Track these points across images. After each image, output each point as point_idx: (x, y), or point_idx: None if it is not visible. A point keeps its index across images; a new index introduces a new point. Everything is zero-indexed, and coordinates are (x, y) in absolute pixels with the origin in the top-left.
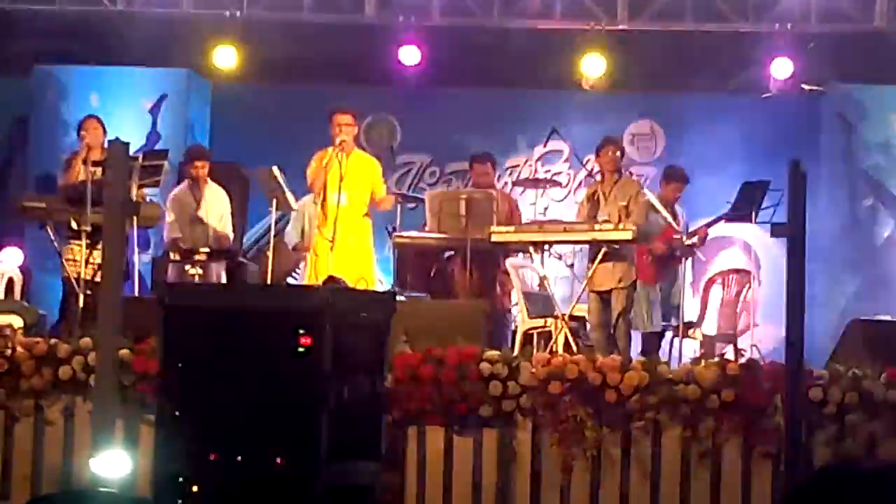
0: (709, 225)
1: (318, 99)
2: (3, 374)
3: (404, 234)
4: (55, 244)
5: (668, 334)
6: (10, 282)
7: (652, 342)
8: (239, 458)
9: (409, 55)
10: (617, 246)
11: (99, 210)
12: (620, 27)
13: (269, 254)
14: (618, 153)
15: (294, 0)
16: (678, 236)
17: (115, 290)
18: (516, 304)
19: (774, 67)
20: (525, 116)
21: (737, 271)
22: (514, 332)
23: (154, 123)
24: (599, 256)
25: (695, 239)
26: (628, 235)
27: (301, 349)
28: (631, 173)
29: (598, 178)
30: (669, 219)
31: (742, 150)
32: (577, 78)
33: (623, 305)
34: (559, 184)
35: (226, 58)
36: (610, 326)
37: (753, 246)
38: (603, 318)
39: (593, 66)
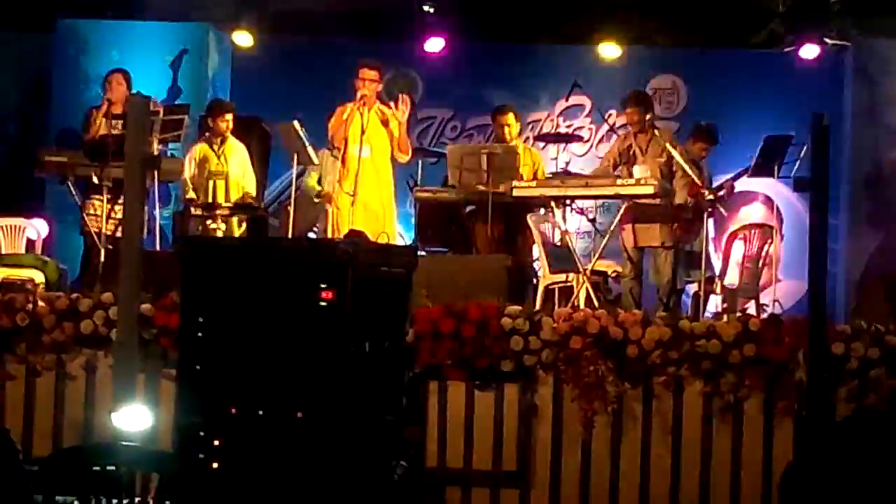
0: (734, 179)
1: (339, 53)
2: (25, 328)
3: (425, 188)
4: (76, 199)
5: (690, 289)
6: None
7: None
8: (260, 412)
9: (435, 44)
10: (658, 201)
11: (120, 164)
12: None
13: (291, 208)
14: (638, 111)
15: None
16: (705, 193)
17: (135, 244)
18: (538, 258)
19: (803, 51)
20: (547, 71)
21: (759, 226)
22: (536, 287)
23: (175, 78)
24: (621, 212)
25: (722, 193)
26: (650, 190)
27: (322, 303)
28: (657, 128)
29: (630, 130)
30: (693, 175)
31: (765, 104)
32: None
33: (670, 271)
34: (581, 138)
35: (244, 40)
36: (641, 279)
37: (776, 200)
38: (638, 270)
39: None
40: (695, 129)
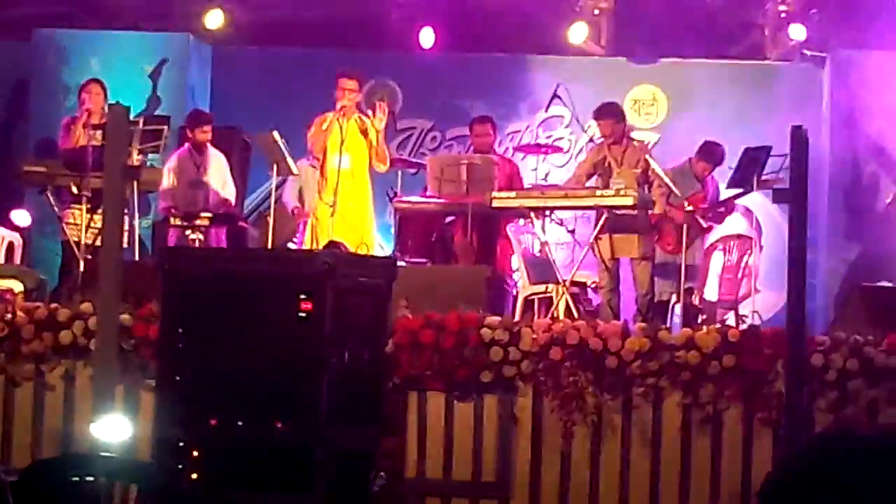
0: (736, 197)
1: (319, 63)
2: (4, 338)
3: (405, 199)
4: (55, 209)
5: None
6: (11, 246)
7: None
8: (239, 423)
9: (427, 38)
10: (634, 212)
11: (100, 174)
12: None
13: (270, 219)
14: (611, 123)
15: None
16: (684, 205)
17: (115, 254)
18: (517, 269)
19: (791, 31)
20: (526, 81)
21: (738, 237)
22: (515, 298)
23: (154, 88)
24: (601, 224)
25: (722, 210)
26: (629, 201)
27: (302, 314)
28: (632, 138)
29: (602, 142)
30: (673, 188)
31: (744, 115)
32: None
33: (648, 281)
34: (560, 149)
35: (214, 20)
36: (619, 290)
37: (755, 212)
38: (616, 282)
39: (578, 34)
40: (701, 148)
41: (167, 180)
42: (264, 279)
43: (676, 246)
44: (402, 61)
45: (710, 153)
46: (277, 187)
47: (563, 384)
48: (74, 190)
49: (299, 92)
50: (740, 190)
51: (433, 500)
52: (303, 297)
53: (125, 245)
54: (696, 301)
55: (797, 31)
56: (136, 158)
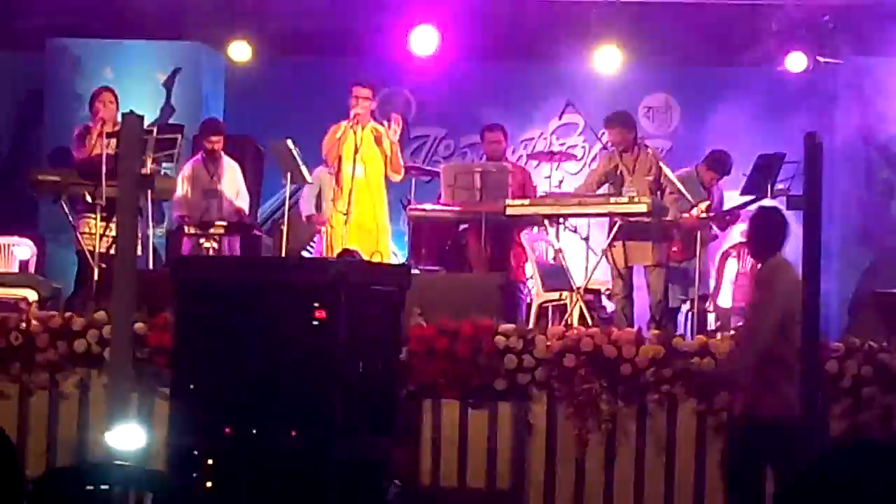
0: (742, 206)
1: (332, 72)
2: (18, 347)
3: (419, 207)
4: (69, 218)
5: (684, 307)
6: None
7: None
8: (253, 431)
9: (423, 42)
10: (648, 219)
11: (114, 183)
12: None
13: (284, 227)
14: (622, 131)
15: None
16: (704, 215)
17: (129, 263)
18: (531, 277)
19: (789, 61)
20: (540, 89)
21: None
22: (529, 306)
23: (168, 97)
24: (615, 231)
25: (728, 218)
26: (643, 208)
27: (316, 322)
28: (646, 146)
29: (614, 150)
30: (687, 195)
31: (757, 122)
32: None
33: (662, 288)
34: (574, 157)
35: (240, 52)
36: (632, 297)
37: None
38: (629, 289)
39: (609, 59)
40: (709, 156)
41: (181, 189)
42: (278, 288)
43: (683, 252)
44: (416, 70)
45: (718, 162)
46: (291, 196)
47: (578, 391)
48: (88, 199)
49: (313, 100)
50: (750, 197)
51: None
52: (317, 305)
53: (139, 254)
54: (709, 307)
55: (796, 63)
56: (149, 167)
